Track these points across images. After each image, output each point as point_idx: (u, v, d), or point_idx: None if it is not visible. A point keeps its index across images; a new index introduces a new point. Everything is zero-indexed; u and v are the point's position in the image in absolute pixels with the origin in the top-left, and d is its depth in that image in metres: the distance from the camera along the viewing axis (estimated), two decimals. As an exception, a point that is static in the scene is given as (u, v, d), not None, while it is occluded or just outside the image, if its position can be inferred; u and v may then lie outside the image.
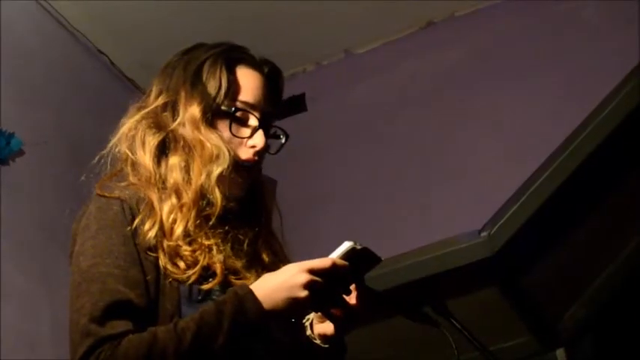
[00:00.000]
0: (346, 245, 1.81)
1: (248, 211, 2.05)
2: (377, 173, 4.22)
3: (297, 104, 4.53)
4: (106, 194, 1.90)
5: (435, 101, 4.22)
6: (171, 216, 1.89)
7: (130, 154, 1.99)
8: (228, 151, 1.97)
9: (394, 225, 3.99)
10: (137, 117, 2.02)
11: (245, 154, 2.01)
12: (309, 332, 2.00)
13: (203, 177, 1.93)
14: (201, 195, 1.93)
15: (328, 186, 4.28)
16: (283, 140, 2.12)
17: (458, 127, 4.12)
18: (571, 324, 3.96)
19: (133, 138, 2.00)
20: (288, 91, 4.53)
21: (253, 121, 2.02)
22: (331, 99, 4.48)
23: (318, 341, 1.98)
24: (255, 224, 2.05)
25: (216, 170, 1.94)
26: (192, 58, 2.07)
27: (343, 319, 1.89)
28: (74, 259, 1.86)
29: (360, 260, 1.83)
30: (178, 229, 1.88)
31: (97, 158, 2.04)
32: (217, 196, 1.93)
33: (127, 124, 2.02)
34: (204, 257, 1.88)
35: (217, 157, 1.95)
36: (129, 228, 1.85)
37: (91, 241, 1.84)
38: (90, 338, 1.71)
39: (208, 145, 1.95)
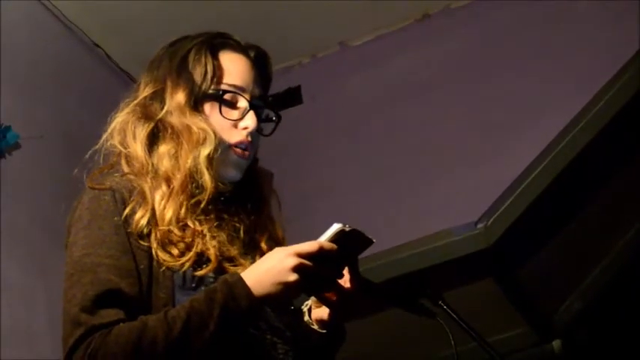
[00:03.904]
0: (335, 228, 1.79)
1: (245, 198, 2.06)
2: (372, 166, 4.22)
3: (293, 97, 4.52)
4: (97, 186, 1.92)
5: (431, 94, 4.22)
6: (162, 202, 1.90)
7: (121, 147, 2.01)
8: (214, 132, 1.97)
9: (391, 217, 3.99)
10: (127, 110, 2.04)
11: (238, 136, 2.02)
12: (307, 318, 2.01)
13: (190, 161, 1.94)
14: (191, 179, 1.94)
15: (323, 179, 4.28)
16: (275, 121, 2.14)
17: (454, 119, 4.12)
18: (567, 316, 3.98)
19: (124, 131, 2.02)
20: (284, 84, 4.55)
21: (243, 103, 2.04)
22: (326, 92, 4.48)
23: (315, 326, 1.99)
24: (252, 212, 2.05)
25: (204, 152, 1.95)
26: (178, 48, 2.10)
27: (338, 303, 1.90)
28: (68, 250, 1.87)
29: (350, 242, 1.81)
30: (168, 214, 1.88)
31: (88, 153, 2.05)
32: (207, 179, 1.93)
33: (118, 118, 2.04)
34: (198, 243, 1.88)
35: (204, 140, 1.96)
36: (120, 217, 1.86)
37: (83, 232, 1.85)
38: (80, 328, 1.72)
39: (195, 129, 1.96)
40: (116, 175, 1.97)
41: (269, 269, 1.77)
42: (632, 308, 4.01)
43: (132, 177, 1.95)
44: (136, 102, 2.04)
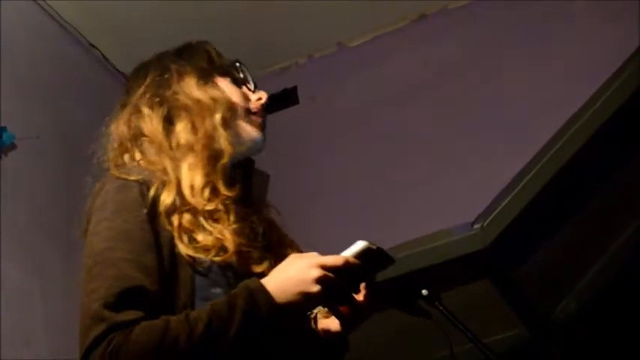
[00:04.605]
0: (361, 245, 1.81)
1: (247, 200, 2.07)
2: (369, 166, 4.22)
3: (289, 97, 4.52)
4: (124, 176, 1.90)
5: (428, 94, 4.22)
6: (190, 172, 1.92)
7: (134, 132, 2.02)
8: (225, 97, 2.04)
9: (388, 217, 3.99)
10: (135, 98, 2.06)
11: (252, 105, 2.10)
12: (312, 325, 2.00)
13: (209, 127, 1.98)
14: (211, 145, 1.97)
15: (321, 179, 4.28)
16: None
17: (451, 120, 4.12)
18: (563, 316, 3.98)
19: (137, 117, 2.03)
20: (281, 84, 4.54)
21: (250, 81, 2.13)
22: (324, 92, 4.48)
23: (320, 335, 1.99)
24: (262, 214, 2.07)
25: (217, 116, 2.00)
26: (170, 48, 2.17)
27: (350, 316, 1.90)
28: (88, 238, 1.84)
29: (372, 260, 1.83)
30: (197, 183, 1.90)
31: (102, 139, 2.07)
32: (224, 140, 1.97)
33: (127, 108, 2.06)
34: (222, 220, 1.88)
35: (216, 106, 2.01)
36: (146, 210, 1.84)
37: (106, 223, 1.82)
38: (102, 324, 1.68)
39: (204, 99, 2.02)
40: (141, 162, 1.97)
41: (291, 278, 1.76)
42: (628, 308, 4.01)
43: (149, 166, 1.95)
44: (142, 91, 2.07)
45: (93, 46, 4.18)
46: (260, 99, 2.10)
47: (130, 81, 2.15)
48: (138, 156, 1.99)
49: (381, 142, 4.22)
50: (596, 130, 3.72)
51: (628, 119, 3.71)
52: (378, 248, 1.82)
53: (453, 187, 3.93)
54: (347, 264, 1.78)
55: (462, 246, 3.70)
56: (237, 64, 2.13)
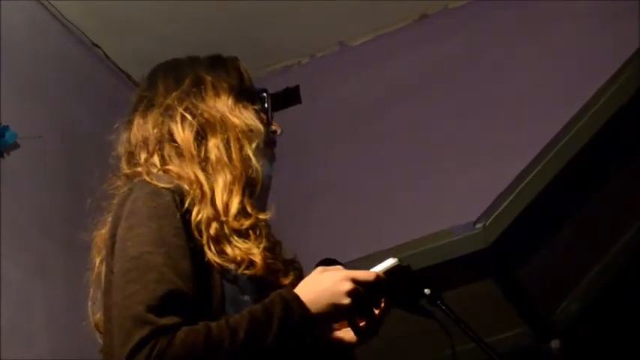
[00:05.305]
0: (391, 262, 1.88)
1: None
2: (371, 166, 4.22)
3: (292, 97, 4.52)
4: (155, 182, 1.90)
5: (430, 93, 4.22)
6: (226, 192, 1.94)
7: (164, 136, 2.03)
8: (260, 127, 2.08)
9: (390, 217, 3.99)
10: (168, 102, 2.06)
11: (269, 137, 2.15)
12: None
13: (245, 150, 2.02)
14: (246, 171, 2.00)
15: (323, 179, 4.28)
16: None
17: (452, 119, 4.12)
18: (565, 316, 3.98)
19: (170, 121, 2.04)
20: (283, 84, 4.55)
21: (270, 111, 2.18)
22: (326, 91, 4.48)
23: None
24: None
25: (254, 142, 2.04)
26: (198, 57, 2.18)
27: (365, 329, 1.93)
28: (119, 243, 1.84)
29: (397, 275, 1.89)
30: (234, 205, 1.93)
31: (123, 135, 2.11)
32: (258, 168, 2.01)
33: (156, 108, 2.07)
34: (251, 237, 1.91)
35: (251, 131, 2.05)
36: (180, 218, 1.85)
37: (140, 229, 1.83)
38: (147, 327, 1.69)
39: (242, 122, 2.05)
40: (171, 169, 1.97)
41: (325, 289, 1.79)
42: (629, 309, 4.02)
43: (177, 172, 1.96)
44: (176, 95, 2.07)
45: (96, 45, 4.18)
46: (276, 131, 2.15)
47: (157, 78, 2.15)
48: (157, 160, 2.01)
49: (383, 142, 4.22)
50: (597, 130, 3.72)
51: (629, 120, 3.72)
52: (407, 266, 1.89)
53: (455, 186, 3.93)
54: (377, 279, 1.83)
55: (464, 245, 3.70)
56: (264, 94, 2.17)
